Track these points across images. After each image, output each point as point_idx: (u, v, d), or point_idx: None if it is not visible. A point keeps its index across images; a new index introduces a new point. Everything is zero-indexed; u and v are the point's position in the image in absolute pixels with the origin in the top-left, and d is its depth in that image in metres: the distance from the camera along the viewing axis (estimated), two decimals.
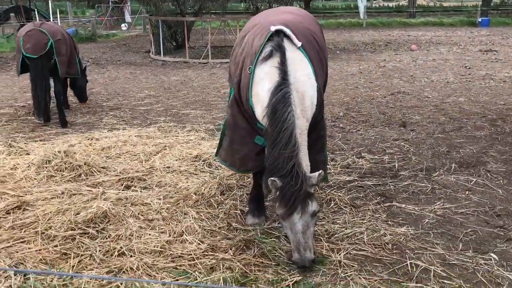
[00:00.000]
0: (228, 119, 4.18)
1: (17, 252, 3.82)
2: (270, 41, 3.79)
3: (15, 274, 3.44)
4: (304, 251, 3.47)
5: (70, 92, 9.10)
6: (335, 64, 14.07)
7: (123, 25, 28.94)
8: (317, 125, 4.00)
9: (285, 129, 3.46)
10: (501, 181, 5.29)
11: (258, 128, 3.93)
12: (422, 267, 3.66)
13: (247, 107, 3.94)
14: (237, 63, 4.12)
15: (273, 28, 3.81)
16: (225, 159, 4.26)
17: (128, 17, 30.70)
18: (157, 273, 3.57)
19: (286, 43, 3.78)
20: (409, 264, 3.70)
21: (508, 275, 3.54)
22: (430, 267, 3.66)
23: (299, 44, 3.84)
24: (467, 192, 5.02)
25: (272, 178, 3.42)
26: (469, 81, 11.20)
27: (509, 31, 24.55)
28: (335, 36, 23.05)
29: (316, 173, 3.52)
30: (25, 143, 6.63)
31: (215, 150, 6.09)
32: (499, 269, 3.63)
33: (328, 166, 5.21)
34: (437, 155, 6.15)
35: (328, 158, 5.59)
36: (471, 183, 5.23)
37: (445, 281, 3.49)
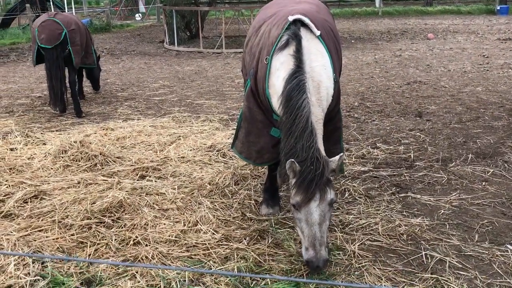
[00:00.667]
0: (244, 111, 4.13)
1: (34, 240, 3.88)
2: (287, 31, 3.73)
3: (33, 262, 3.50)
4: (319, 247, 3.20)
5: (85, 82, 9.17)
6: (350, 54, 13.94)
7: (137, 15, 29.00)
8: (333, 117, 3.95)
9: (300, 116, 3.37)
10: None
11: (274, 120, 3.90)
12: (437, 258, 3.64)
13: (263, 99, 3.89)
14: (253, 54, 4.07)
15: (291, 18, 3.75)
16: (241, 152, 4.21)
17: (142, 7, 30.75)
18: (172, 262, 3.60)
19: (303, 32, 3.72)
20: (424, 255, 3.68)
21: None
22: (446, 258, 3.63)
23: (318, 32, 3.76)
24: (483, 183, 4.96)
25: (292, 160, 3.26)
26: (487, 70, 11.02)
27: None
28: (350, 25, 22.82)
29: (337, 157, 3.37)
30: (41, 133, 6.71)
31: (229, 140, 6.12)
32: None
33: (344, 157, 5.15)
34: (453, 146, 6.08)
35: (344, 149, 5.56)
36: (488, 174, 5.16)
37: (461, 272, 3.47)
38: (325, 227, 3.30)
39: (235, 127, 4.37)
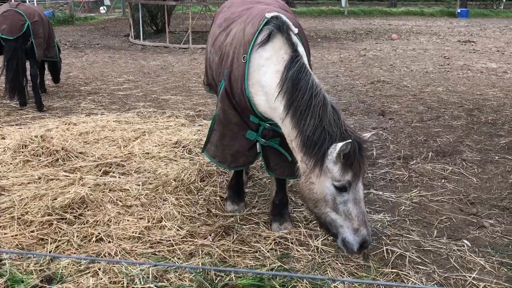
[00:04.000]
0: (218, 113, 3.96)
1: None
2: (266, 28, 3.58)
3: None
4: (368, 223, 3.13)
5: (47, 75, 8.93)
6: (316, 52, 14.08)
7: (101, 8, 28.42)
8: None
9: (317, 94, 3.20)
10: (475, 169, 5.41)
11: (250, 122, 3.80)
12: (397, 253, 3.73)
13: (239, 99, 3.73)
14: (226, 54, 3.89)
15: (268, 15, 3.61)
16: (214, 156, 4.06)
17: (107, 0, 30.14)
18: (136, 259, 3.57)
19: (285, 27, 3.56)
20: (385, 250, 3.77)
21: (479, 261, 3.65)
22: (406, 253, 3.73)
23: (296, 30, 3.65)
24: (443, 180, 5.12)
25: (350, 140, 3.02)
26: (448, 71, 11.36)
27: (487, 22, 24.91)
28: (317, 24, 23.05)
29: (369, 133, 3.37)
30: (0, 127, 6.50)
31: (195, 137, 6.09)
32: (471, 255, 3.73)
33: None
34: (414, 144, 6.24)
35: None
36: (447, 172, 5.33)
37: (420, 267, 3.58)
38: None
39: (206, 127, 4.24)
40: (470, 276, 3.47)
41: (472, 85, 9.82)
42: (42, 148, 5.39)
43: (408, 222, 4.24)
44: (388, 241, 3.91)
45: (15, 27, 7.28)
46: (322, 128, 3.15)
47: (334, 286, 3.29)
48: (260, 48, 3.55)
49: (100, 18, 25.28)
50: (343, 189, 3.13)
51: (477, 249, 3.82)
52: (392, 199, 4.67)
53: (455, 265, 3.61)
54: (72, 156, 5.40)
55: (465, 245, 3.88)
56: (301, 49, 3.56)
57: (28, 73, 7.70)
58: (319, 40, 17.37)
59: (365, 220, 3.14)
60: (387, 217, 4.31)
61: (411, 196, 4.74)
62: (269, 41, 3.53)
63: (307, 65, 3.44)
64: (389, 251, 3.77)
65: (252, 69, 3.58)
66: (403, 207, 4.51)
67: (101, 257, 3.56)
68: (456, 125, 7.05)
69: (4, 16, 7.33)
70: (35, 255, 3.42)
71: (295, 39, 3.58)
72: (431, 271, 3.54)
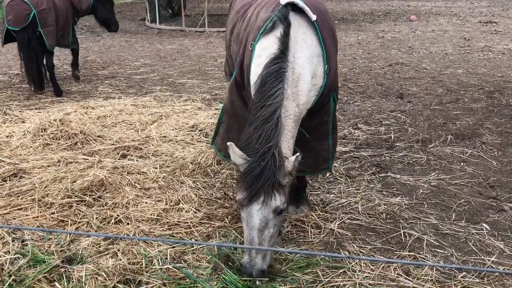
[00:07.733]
0: (226, 104, 3.84)
1: (14, 219, 3.85)
2: (274, 16, 3.36)
3: (13, 240, 3.48)
4: (255, 255, 2.91)
5: (65, 60, 8.99)
6: None
7: None
8: (320, 109, 3.58)
9: (268, 105, 3.03)
10: (495, 153, 5.32)
11: None
12: (415, 236, 3.72)
13: (248, 90, 3.53)
14: (240, 41, 3.74)
15: (283, 1, 3.36)
16: (220, 149, 3.90)
17: None
18: (154, 240, 3.61)
19: (294, 17, 3.34)
20: (402, 234, 3.75)
21: (498, 244, 3.61)
22: (423, 236, 3.71)
23: (314, 17, 3.37)
24: (462, 164, 5.05)
25: (231, 143, 3.01)
26: (468, 52, 11.13)
27: (510, 2, 24.23)
28: (334, 6, 22.72)
29: (292, 157, 3.02)
30: (20, 111, 6.60)
31: (211, 120, 6.10)
32: (490, 238, 3.69)
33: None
34: (433, 127, 6.16)
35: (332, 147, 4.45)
36: (466, 155, 5.26)
37: (437, 250, 3.56)
38: (268, 235, 2.97)
39: (218, 113, 4.18)
40: (489, 260, 3.44)
41: (493, 66, 9.61)
42: (61, 132, 5.47)
43: (426, 206, 4.21)
44: (405, 224, 3.89)
45: (20, 17, 6.99)
46: (251, 140, 3.04)
47: (351, 268, 3.29)
48: (262, 36, 3.38)
49: (116, 2, 25.12)
50: (240, 205, 3.05)
51: (496, 233, 3.78)
52: (410, 182, 4.63)
53: (474, 248, 3.58)
54: (91, 140, 5.46)
55: (484, 229, 3.83)
56: (294, 45, 3.26)
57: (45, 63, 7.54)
58: (336, 22, 17.13)
59: (250, 249, 2.91)
60: (404, 200, 4.28)
61: (429, 179, 4.69)
62: (272, 30, 3.35)
63: (286, 72, 3.16)
64: (406, 234, 3.75)
65: (254, 58, 3.40)
66: (421, 191, 4.47)
67: (120, 239, 3.62)
68: (476, 107, 6.93)
69: (11, 6, 7.05)
70: (57, 233, 3.49)
71: (295, 33, 3.30)
72: (449, 254, 3.51)
